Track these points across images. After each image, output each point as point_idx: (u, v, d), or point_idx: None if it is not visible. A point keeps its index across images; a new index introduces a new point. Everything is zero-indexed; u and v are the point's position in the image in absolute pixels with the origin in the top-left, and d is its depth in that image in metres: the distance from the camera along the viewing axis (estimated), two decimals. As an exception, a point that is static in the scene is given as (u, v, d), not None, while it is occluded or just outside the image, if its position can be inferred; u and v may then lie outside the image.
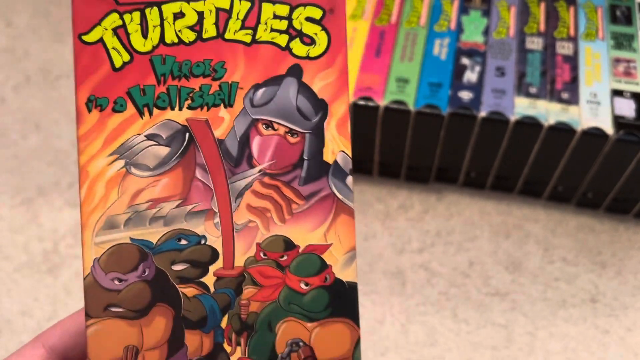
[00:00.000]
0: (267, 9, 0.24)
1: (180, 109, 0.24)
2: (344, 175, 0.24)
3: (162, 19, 0.24)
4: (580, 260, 0.59)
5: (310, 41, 0.24)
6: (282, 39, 0.24)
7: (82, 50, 0.24)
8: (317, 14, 0.24)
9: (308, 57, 0.24)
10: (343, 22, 0.24)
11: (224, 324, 0.24)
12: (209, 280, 0.24)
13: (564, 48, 0.59)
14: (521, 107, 0.54)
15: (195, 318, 0.24)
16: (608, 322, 0.55)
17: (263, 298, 0.24)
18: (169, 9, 0.24)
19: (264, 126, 0.24)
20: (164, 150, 0.24)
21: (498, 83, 0.56)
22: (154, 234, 0.24)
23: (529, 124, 0.54)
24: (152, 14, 0.24)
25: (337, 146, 0.25)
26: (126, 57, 0.24)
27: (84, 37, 0.24)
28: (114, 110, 0.24)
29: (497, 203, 0.62)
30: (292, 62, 0.24)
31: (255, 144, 0.24)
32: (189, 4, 0.24)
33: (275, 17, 0.24)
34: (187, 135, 0.24)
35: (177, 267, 0.24)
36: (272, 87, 0.24)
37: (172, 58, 0.24)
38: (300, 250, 0.24)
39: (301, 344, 0.24)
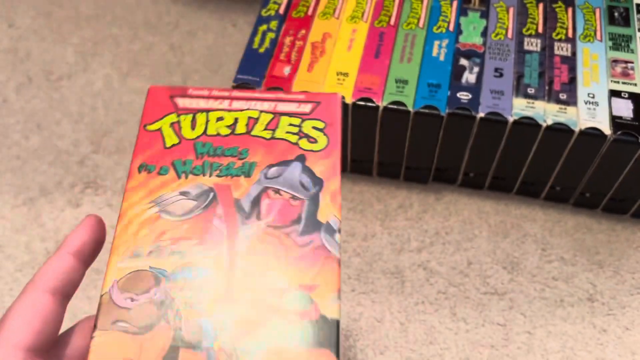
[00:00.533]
0: (285, 120, 0.33)
1: (210, 176, 0.31)
2: (333, 232, 0.30)
3: (207, 120, 0.33)
4: (578, 259, 0.59)
5: (314, 141, 0.33)
6: (294, 138, 0.33)
7: (144, 134, 0.33)
8: (320, 124, 0.33)
9: (311, 150, 0.32)
10: (338, 130, 0.33)
11: (216, 345, 0.27)
12: (211, 306, 0.27)
13: (562, 49, 0.59)
14: (519, 107, 0.55)
15: (192, 339, 0.27)
16: (606, 321, 0.55)
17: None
18: (213, 115, 0.34)
19: (272, 192, 0.31)
20: (191, 203, 0.30)
21: (496, 84, 0.56)
22: (169, 264, 0.29)
23: (527, 125, 0.54)
24: (201, 117, 0.34)
25: (330, 212, 0.30)
26: (175, 140, 0.33)
27: (148, 127, 0.33)
28: (159, 174, 0.31)
29: (495, 203, 0.63)
30: (299, 152, 0.32)
31: (264, 204, 0.30)
32: (229, 112, 0.34)
33: (290, 125, 0.33)
34: (212, 194, 0.31)
35: (185, 293, 0.28)
36: (282, 167, 0.32)
37: (210, 143, 0.32)
38: (293, 288, 0.28)
39: None
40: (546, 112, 0.54)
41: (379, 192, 0.64)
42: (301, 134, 0.33)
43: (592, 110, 0.54)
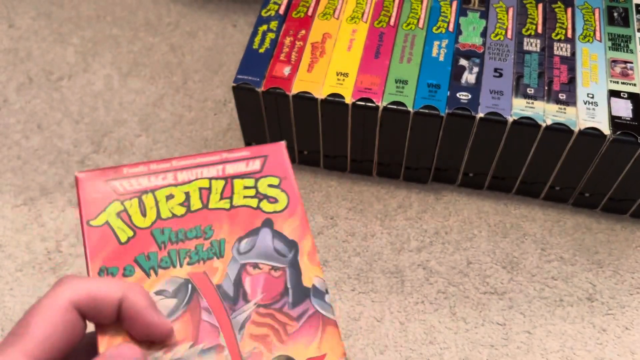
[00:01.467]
0: (238, 184, 0.31)
1: (181, 266, 0.29)
2: (322, 295, 0.29)
3: (156, 201, 0.30)
4: (578, 259, 0.59)
5: (274, 200, 0.31)
6: (253, 202, 0.31)
7: (91, 232, 0.29)
8: (274, 181, 0.32)
9: (275, 212, 0.31)
10: (294, 184, 0.32)
11: None
12: None
13: (561, 49, 0.59)
14: (519, 108, 0.55)
15: None
16: (605, 321, 0.55)
17: None
18: (161, 194, 0.31)
19: (251, 268, 0.29)
20: (171, 302, 0.28)
21: (496, 84, 0.57)
22: None
23: (527, 125, 0.54)
24: (148, 199, 0.30)
25: (312, 273, 0.30)
26: (130, 233, 0.29)
27: (92, 222, 0.30)
28: (124, 275, 0.28)
29: (494, 203, 0.63)
30: (264, 217, 0.31)
31: (247, 282, 0.29)
32: (176, 187, 0.31)
33: (245, 188, 0.31)
34: (190, 286, 0.29)
35: None
36: (252, 237, 0.30)
37: (169, 229, 0.30)
38: None
39: None
40: (545, 112, 0.54)
41: (379, 192, 0.64)
42: (260, 196, 0.31)
43: (591, 111, 0.54)
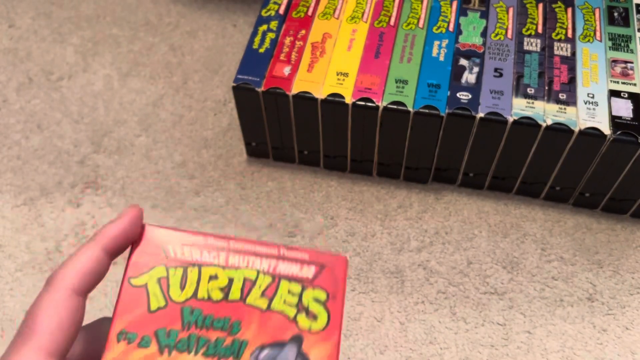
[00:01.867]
0: (284, 286, 0.29)
1: (196, 354, 0.28)
2: None
3: (199, 278, 0.29)
4: (578, 259, 0.59)
5: (314, 317, 0.29)
6: (291, 311, 0.29)
7: (128, 291, 0.29)
8: (322, 296, 0.29)
9: (309, 330, 0.29)
10: (341, 306, 0.30)
11: None
12: None
13: (561, 49, 0.59)
14: (519, 107, 0.55)
15: None
16: (605, 321, 0.55)
17: None
18: (206, 271, 0.30)
19: None
20: None
21: (496, 84, 0.57)
22: None
23: (527, 125, 0.54)
24: (192, 273, 0.29)
25: None
26: (162, 303, 0.29)
27: (133, 281, 0.29)
28: (139, 346, 0.28)
29: (495, 203, 0.63)
30: (295, 331, 0.29)
31: None
32: (224, 270, 0.30)
33: (290, 293, 0.29)
34: None
35: None
36: (275, 350, 0.28)
37: (199, 310, 0.29)
38: None
39: None
40: (546, 112, 0.54)
41: (379, 192, 0.64)
42: (300, 307, 0.29)
43: (591, 110, 0.54)
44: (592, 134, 0.53)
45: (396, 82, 0.57)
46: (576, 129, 0.53)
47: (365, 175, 0.65)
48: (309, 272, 0.30)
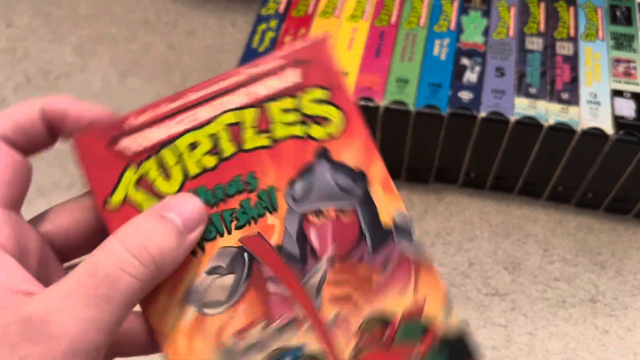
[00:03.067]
0: (274, 108, 0.24)
1: (229, 232, 0.23)
2: (408, 233, 0.24)
3: (179, 155, 0.24)
4: (580, 260, 0.59)
5: (326, 121, 0.24)
6: (299, 130, 0.24)
7: (111, 219, 0.23)
8: (322, 94, 0.24)
9: (330, 137, 0.24)
10: (348, 94, 0.24)
11: None
12: None
13: (563, 48, 0.59)
14: (521, 107, 0.54)
15: None
16: (608, 322, 0.55)
17: None
18: (182, 143, 0.24)
19: (313, 216, 0.24)
20: (229, 280, 0.23)
21: (498, 83, 0.56)
22: None
23: (529, 124, 0.54)
24: (167, 155, 0.24)
25: (391, 206, 0.25)
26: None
27: (110, 201, 0.23)
28: None
29: (496, 203, 0.62)
30: (316, 146, 0.24)
31: (313, 236, 0.24)
32: (200, 131, 0.24)
33: (285, 112, 0.24)
34: (246, 255, 0.23)
35: None
36: (307, 177, 0.24)
37: (203, 188, 0.24)
38: (399, 321, 0.23)
39: None
40: (548, 112, 0.54)
41: (380, 192, 0.63)
42: (306, 119, 0.24)
43: (594, 110, 0.54)
44: (595, 133, 0.53)
45: (397, 82, 0.56)
46: (578, 129, 0.53)
47: (366, 176, 0.64)
48: (293, 77, 0.24)
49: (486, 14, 0.62)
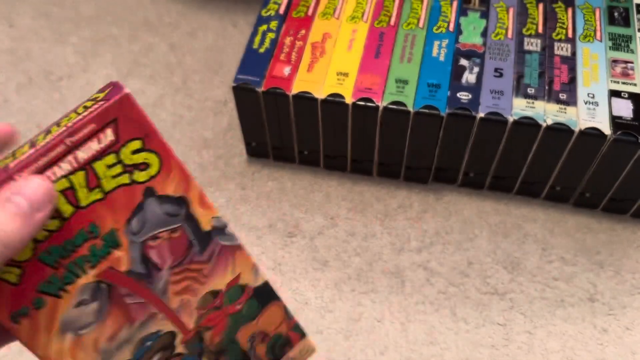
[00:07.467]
0: (99, 166, 0.27)
1: (85, 273, 0.28)
2: (222, 230, 0.31)
3: None
4: (579, 259, 0.59)
5: (146, 166, 0.28)
6: (126, 178, 0.28)
7: None
8: (137, 145, 0.28)
9: (152, 177, 0.28)
10: (159, 137, 0.28)
11: None
12: (180, 349, 0.32)
13: (562, 49, 0.59)
14: (519, 107, 0.55)
15: None
16: (606, 322, 0.55)
17: (219, 331, 0.33)
18: None
19: (151, 241, 0.29)
20: (95, 305, 0.29)
21: (496, 84, 0.56)
22: (126, 353, 0.30)
23: (527, 125, 0.54)
24: None
25: (208, 215, 0.30)
26: (17, 271, 0.27)
27: None
28: (37, 308, 0.28)
29: (495, 203, 0.63)
30: (142, 188, 0.28)
31: (154, 255, 0.29)
32: None
33: (109, 167, 0.27)
34: (103, 285, 0.29)
35: (155, 358, 0.31)
36: (140, 214, 0.29)
37: (54, 246, 0.27)
38: (224, 290, 0.32)
39: (255, 334, 0.34)
40: (546, 112, 0.54)
41: (379, 192, 0.64)
42: (128, 169, 0.28)
43: (592, 110, 0.54)
44: (593, 134, 0.53)
45: (396, 82, 0.57)
46: (576, 129, 0.53)
47: (366, 175, 0.65)
48: (108, 137, 0.27)
49: (485, 15, 0.62)
